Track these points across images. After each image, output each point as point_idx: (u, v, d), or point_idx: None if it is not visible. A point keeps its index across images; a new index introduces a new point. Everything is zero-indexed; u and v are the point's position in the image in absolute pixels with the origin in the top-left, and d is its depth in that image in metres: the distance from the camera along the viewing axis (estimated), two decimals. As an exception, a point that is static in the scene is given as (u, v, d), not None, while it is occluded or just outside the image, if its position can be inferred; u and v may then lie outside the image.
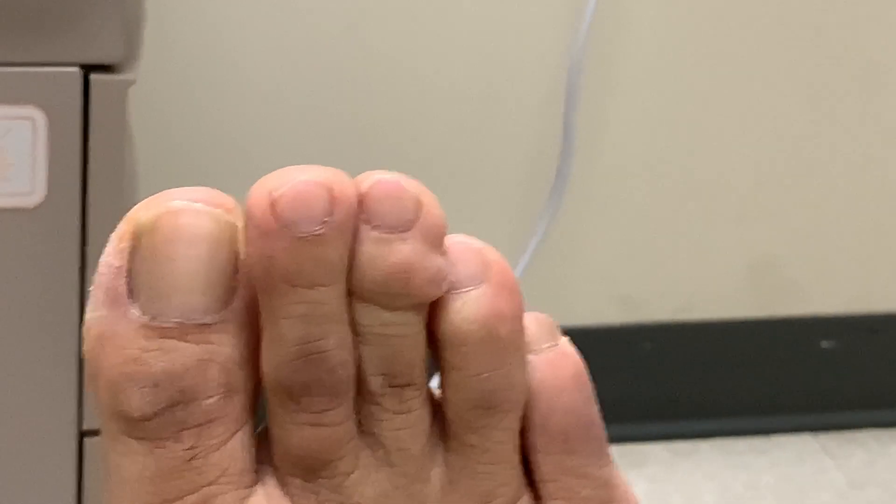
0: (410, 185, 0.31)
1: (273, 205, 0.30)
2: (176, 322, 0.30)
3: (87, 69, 0.76)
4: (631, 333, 1.32)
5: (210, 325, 0.30)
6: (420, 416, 0.32)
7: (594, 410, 0.33)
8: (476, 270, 0.32)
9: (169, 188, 0.31)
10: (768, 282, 1.35)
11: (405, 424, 0.32)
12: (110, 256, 0.31)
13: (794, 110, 1.30)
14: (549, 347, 0.32)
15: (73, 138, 0.76)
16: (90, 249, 0.78)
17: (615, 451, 0.36)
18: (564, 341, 0.33)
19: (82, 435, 0.82)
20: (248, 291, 0.31)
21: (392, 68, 1.21)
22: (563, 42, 1.22)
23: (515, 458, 0.32)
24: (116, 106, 0.76)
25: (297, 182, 0.30)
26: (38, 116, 0.75)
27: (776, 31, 1.27)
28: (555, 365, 0.32)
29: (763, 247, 1.33)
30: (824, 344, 1.38)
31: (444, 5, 1.20)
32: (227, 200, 0.31)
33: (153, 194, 0.31)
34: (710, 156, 1.29)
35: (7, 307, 0.79)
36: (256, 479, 0.32)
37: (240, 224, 0.31)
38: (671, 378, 1.35)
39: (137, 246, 0.30)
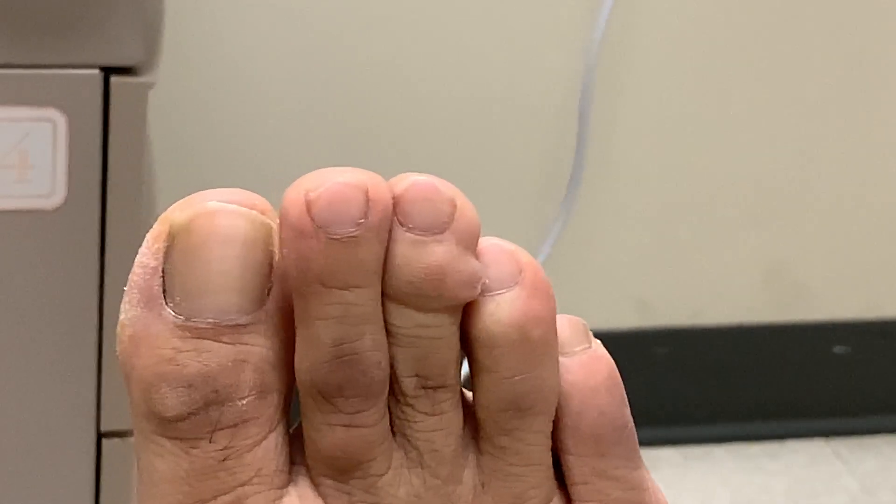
0: (445, 187, 0.31)
1: (309, 206, 0.30)
2: (210, 322, 0.30)
3: (108, 71, 0.75)
4: (645, 338, 1.32)
5: (244, 325, 0.30)
6: (452, 418, 0.32)
7: (626, 413, 0.33)
8: (509, 273, 0.32)
9: (185, 191, 0.31)
10: (782, 287, 1.35)
11: (438, 426, 0.32)
12: (145, 256, 0.31)
13: (809, 115, 1.30)
14: (581, 350, 0.32)
15: (93, 140, 0.76)
16: (110, 251, 0.78)
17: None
18: (597, 344, 0.33)
19: (101, 436, 0.82)
20: (282, 292, 0.31)
21: (406, 73, 1.21)
22: (578, 46, 1.22)
23: (547, 460, 0.32)
24: (136, 108, 0.76)
25: (333, 183, 0.30)
26: (59, 118, 0.75)
27: (790, 36, 1.27)
28: (587, 367, 0.32)
29: (777, 252, 1.33)
30: (837, 349, 1.38)
31: (459, 10, 1.20)
32: (262, 202, 0.31)
33: (171, 197, 0.31)
34: (724, 160, 1.29)
35: (26, 308, 0.79)
36: (289, 479, 0.32)
37: (274, 225, 0.31)
38: (685, 382, 1.35)
39: (172, 246, 0.31)
